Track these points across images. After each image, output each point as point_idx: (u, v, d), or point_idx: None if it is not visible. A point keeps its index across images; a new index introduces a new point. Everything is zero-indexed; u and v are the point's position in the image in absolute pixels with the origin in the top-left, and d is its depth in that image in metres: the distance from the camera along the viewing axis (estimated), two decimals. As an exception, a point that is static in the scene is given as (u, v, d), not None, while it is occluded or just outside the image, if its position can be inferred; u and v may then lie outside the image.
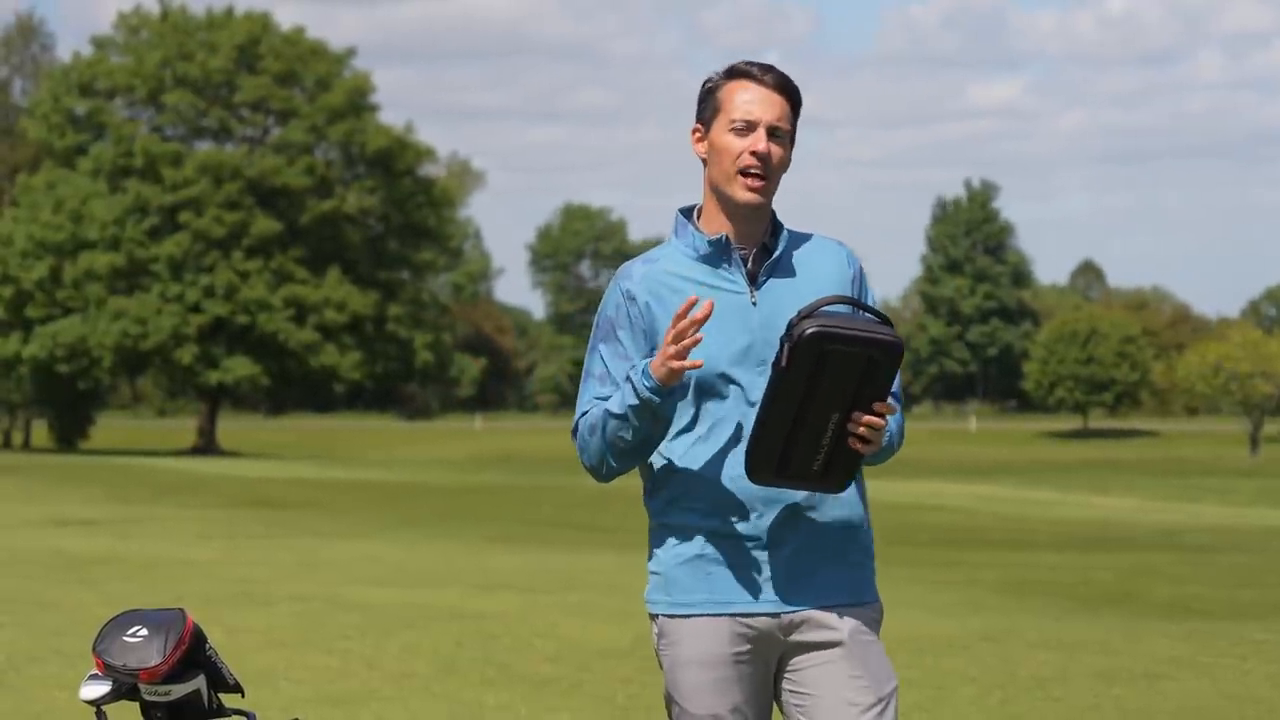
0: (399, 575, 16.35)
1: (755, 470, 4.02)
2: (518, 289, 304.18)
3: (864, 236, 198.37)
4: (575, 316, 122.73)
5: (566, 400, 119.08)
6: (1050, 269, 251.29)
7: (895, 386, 4.18)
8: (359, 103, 69.22)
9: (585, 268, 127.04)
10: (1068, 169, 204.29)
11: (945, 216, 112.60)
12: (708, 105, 4.18)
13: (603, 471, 4.18)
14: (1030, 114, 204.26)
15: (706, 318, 3.95)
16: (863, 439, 4.00)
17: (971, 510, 31.01)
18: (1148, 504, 34.85)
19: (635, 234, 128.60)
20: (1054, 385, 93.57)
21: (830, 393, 3.98)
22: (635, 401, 4.04)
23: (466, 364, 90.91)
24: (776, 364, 3.97)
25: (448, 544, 21.18)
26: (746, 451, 4.02)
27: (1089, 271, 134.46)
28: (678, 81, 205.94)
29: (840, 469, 4.05)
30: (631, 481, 4.31)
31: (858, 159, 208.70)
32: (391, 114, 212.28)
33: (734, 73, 4.17)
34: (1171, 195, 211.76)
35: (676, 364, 3.97)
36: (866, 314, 4.08)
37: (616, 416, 4.07)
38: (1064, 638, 11.39)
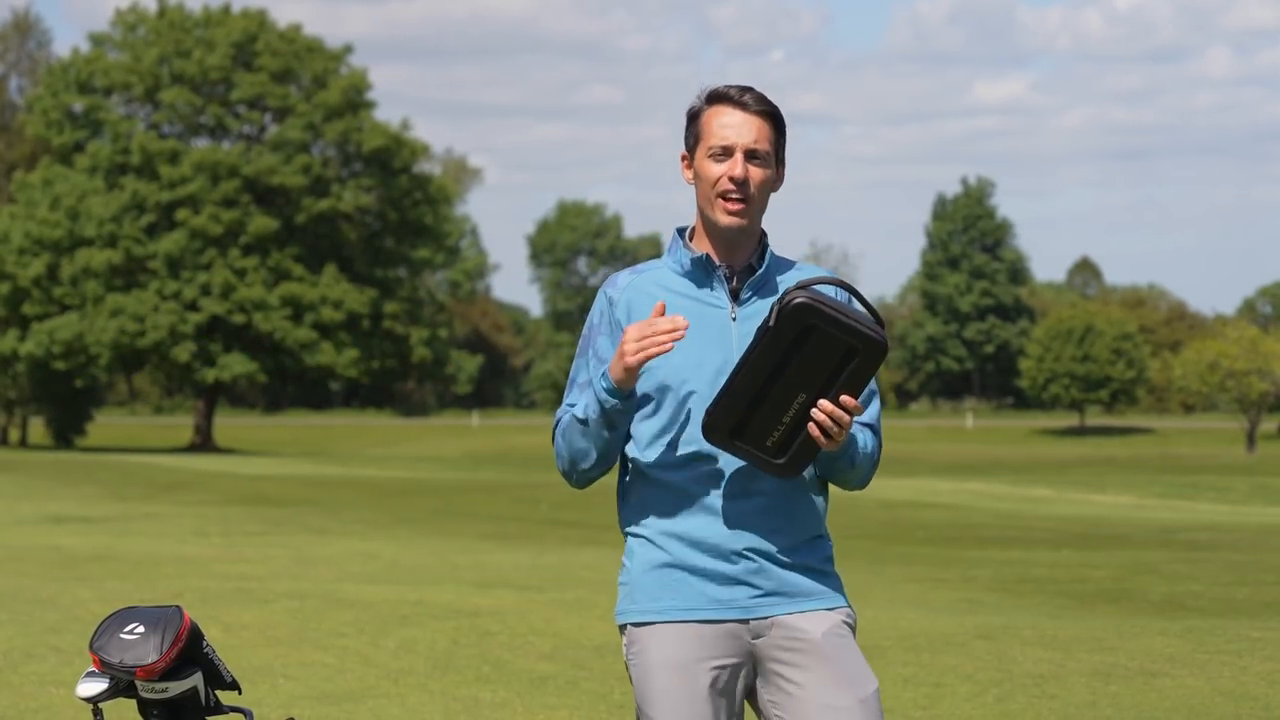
0: (395, 572, 16.35)
1: (711, 428, 4.00)
2: (515, 286, 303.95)
3: (866, 234, 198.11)
4: (573, 313, 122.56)
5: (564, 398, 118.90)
6: (1047, 266, 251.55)
7: (872, 417, 4.17)
8: (355, 100, 69.16)
9: (582, 264, 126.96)
10: (1071, 166, 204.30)
11: (943, 213, 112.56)
12: (690, 132, 4.22)
13: (573, 478, 4.21)
14: (1036, 111, 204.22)
15: (681, 331, 3.96)
16: (824, 429, 3.98)
17: (967, 507, 31.00)
18: (1144, 501, 34.84)
19: (631, 230, 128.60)
20: (1050, 382, 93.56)
21: (802, 371, 3.96)
22: (595, 407, 4.06)
23: (464, 361, 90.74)
24: (764, 324, 3.97)
25: (444, 541, 21.19)
26: (707, 409, 4.01)
27: (1086, 269, 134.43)
28: (685, 78, 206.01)
29: (793, 454, 4.02)
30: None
31: (862, 156, 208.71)
32: (400, 111, 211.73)
33: (713, 97, 4.20)
34: (1169, 192, 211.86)
35: (631, 360, 3.98)
36: (863, 308, 4.07)
37: (580, 421, 4.10)
38: (1060, 635, 11.38)
